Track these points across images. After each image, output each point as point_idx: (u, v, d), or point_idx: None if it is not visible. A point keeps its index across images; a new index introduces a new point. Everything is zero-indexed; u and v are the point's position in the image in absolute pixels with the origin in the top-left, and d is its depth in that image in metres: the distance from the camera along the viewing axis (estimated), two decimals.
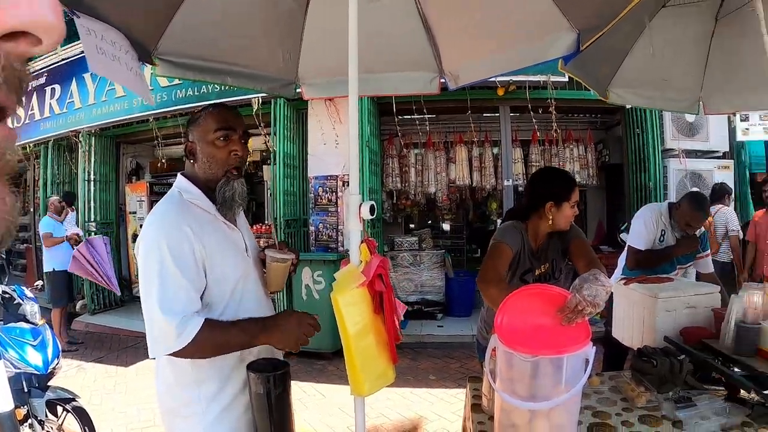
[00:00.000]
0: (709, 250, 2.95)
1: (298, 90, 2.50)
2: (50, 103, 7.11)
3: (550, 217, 1.89)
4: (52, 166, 7.50)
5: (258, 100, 5.49)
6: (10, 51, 0.31)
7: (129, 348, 5.47)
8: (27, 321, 2.75)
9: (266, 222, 6.36)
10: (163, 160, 7.16)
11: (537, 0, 1.78)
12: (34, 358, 2.61)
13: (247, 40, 2.12)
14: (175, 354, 1.19)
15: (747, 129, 5.47)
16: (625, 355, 2.64)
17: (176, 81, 5.55)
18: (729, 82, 2.85)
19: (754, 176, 5.75)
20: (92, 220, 6.92)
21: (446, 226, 7.85)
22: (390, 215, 6.78)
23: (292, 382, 1.32)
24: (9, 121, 0.34)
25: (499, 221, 2.25)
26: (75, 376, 4.51)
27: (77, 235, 5.53)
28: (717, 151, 5.62)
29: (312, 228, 5.89)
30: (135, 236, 7.32)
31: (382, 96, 5.09)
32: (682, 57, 2.75)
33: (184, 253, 1.22)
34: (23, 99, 0.34)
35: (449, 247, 7.21)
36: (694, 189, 4.98)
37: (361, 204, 1.25)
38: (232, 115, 1.39)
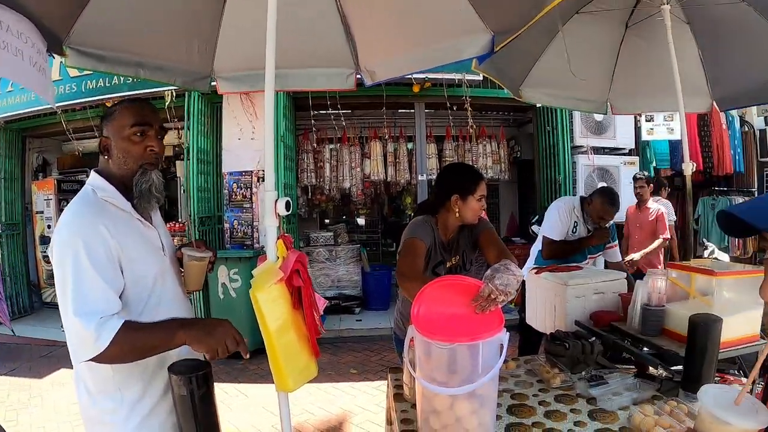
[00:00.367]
0: (617, 241, 3.18)
1: (213, 84, 2.43)
2: None
3: (457, 210, 1.94)
4: None
5: (171, 93, 5.26)
6: None
7: (42, 358, 5.03)
8: None
9: (180, 220, 6.10)
10: (76, 152, 6.57)
11: (454, 1, 1.83)
12: None
13: (161, 31, 2.02)
14: (96, 359, 1.13)
15: (652, 129, 5.95)
16: (539, 340, 2.77)
17: (86, 71, 5.16)
18: (636, 85, 3.08)
19: (658, 172, 6.24)
20: None
21: (361, 221, 7.90)
22: (305, 211, 6.73)
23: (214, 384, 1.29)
24: None
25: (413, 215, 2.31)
26: None
27: None
28: (623, 149, 6.02)
29: (227, 225, 5.72)
30: (42, 237, 6.73)
31: (298, 91, 5.03)
32: (593, 60, 2.94)
33: (101, 254, 1.18)
34: None
35: (365, 241, 7.30)
36: (602, 184, 5.32)
37: (276, 200, 1.24)
38: (149, 110, 1.35)
